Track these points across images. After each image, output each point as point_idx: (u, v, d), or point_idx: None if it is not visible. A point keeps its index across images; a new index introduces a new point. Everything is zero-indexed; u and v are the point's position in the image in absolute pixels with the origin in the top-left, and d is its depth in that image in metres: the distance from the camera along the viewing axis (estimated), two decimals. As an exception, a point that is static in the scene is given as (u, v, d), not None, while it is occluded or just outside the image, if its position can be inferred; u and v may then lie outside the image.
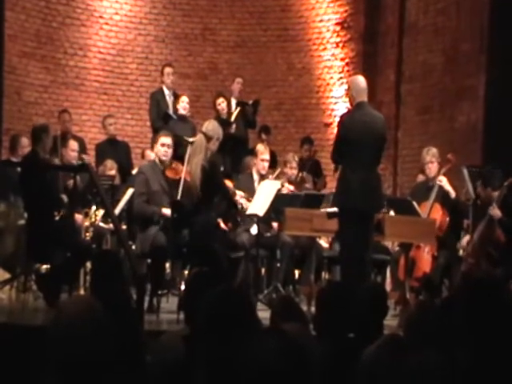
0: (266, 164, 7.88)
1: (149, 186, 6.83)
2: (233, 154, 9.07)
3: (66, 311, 2.23)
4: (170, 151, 6.91)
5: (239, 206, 7.37)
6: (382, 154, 6.30)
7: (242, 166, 8.63)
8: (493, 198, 6.90)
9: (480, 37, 9.02)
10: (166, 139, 6.91)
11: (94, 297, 2.36)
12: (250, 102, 9.74)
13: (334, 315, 3.47)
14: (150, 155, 8.65)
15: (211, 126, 6.98)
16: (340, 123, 6.27)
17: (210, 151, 6.83)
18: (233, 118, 9.32)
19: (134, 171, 8.83)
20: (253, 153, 8.25)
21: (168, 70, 9.57)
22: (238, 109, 9.43)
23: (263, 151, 7.91)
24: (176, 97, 9.46)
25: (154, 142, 7.15)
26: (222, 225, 7.54)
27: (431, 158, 7.33)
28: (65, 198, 7.03)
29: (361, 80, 6.30)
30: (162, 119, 9.27)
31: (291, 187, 7.92)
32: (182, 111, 8.97)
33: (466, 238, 7.24)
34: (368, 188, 6.05)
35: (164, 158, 6.89)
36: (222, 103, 9.38)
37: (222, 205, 7.43)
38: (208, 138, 6.81)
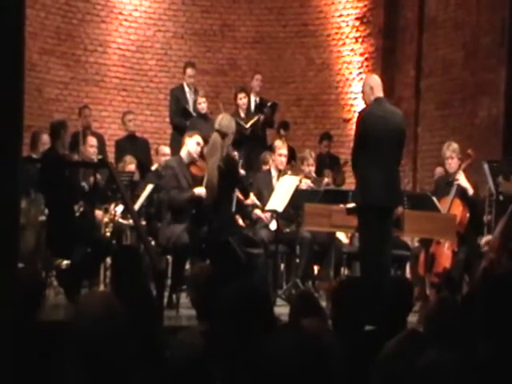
0: (284, 159, 7.87)
1: (178, 181, 6.87)
2: (248, 151, 9.07)
3: (84, 307, 2.25)
4: (200, 151, 7.07)
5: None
6: (402, 149, 6.26)
7: (260, 162, 8.63)
8: None
9: (500, 31, 8.95)
10: (200, 139, 7.06)
11: (112, 292, 2.37)
12: (269, 103, 9.73)
13: (348, 310, 3.47)
14: (164, 150, 8.70)
15: (224, 121, 6.85)
16: (359, 120, 6.24)
17: (225, 148, 6.77)
18: (249, 124, 9.29)
19: (153, 167, 8.86)
20: (271, 149, 8.26)
21: (190, 71, 9.56)
22: (256, 117, 9.40)
23: (281, 146, 7.92)
24: (197, 94, 9.49)
25: (187, 136, 7.16)
26: (240, 221, 7.55)
27: (451, 153, 7.28)
28: (85, 185, 7.04)
29: (374, 77, 6.39)
30: (181, 115, 9.30)
31: (308, 181, 7.90)
32: (201, 111, 9.07)
33: (486, 237, 7.14)
34: (388, 184, 6.03)
35: (195, 156, 6.97)
36: (243, 98, 9.38)
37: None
38: (223, 135, 6.74)
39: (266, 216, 7.50)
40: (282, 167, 7.85)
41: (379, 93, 6.13)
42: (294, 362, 1.84)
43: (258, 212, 7.55)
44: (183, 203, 6.81)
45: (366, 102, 6.29)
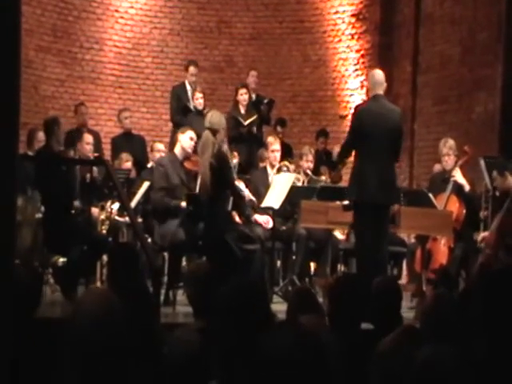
0: (278, 154, 7.91)
1: (168, 180, 6.86)
2: (246, 148, 9.06)
3: (83, 305, 2.24)
4: (194, 145, 7.08)
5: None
6: (400, 146, 6.27)
7: (257, 160, 8.64)
8: (510, 183, 6.83)
9: (497, 26, 8.95)
10: (193, 134, 7.08)
11: (110, 290, 2.37)
12: (265, 100, 9.73)
13: (344, 307, 3.47)
14: (159, 146, 8.70)
15: (214, 118, 6.81)
16: (355, 114, 6.26)
17: (217, 144, 6.74)
18: (247, 122, 9.29)
19: (149, 164, 8.86)
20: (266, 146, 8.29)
21: (192, 69, 9.54)
22: (255, 116, 9.40)
23: (273, 142, 7.97)
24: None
25: (180, 132, 7.19)
26: (237, 218, 7.55)
27: (448, 150, 7.29)
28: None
29: (377, 73, 6.33)
30: (181, 113, 9.29)
31: (299, 183, 7.90)
32: (199, 107, 9.08)
33: (482, 234, 7.13)
34: (384, 180, 6.03)
35: (189, 151, 6.98)
36: (244, 94, 9.38)
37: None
38: (214, 132, 6.71)
39: (264, 222, 7.44)
40: (275, 163, 7.89)
41: (377, 90, 6.13)
42: (292, 359, 1.84)
43: (257, 218, 7.50)
44: (165, 210, 6.82)
45: (367, 97, 6.32)
